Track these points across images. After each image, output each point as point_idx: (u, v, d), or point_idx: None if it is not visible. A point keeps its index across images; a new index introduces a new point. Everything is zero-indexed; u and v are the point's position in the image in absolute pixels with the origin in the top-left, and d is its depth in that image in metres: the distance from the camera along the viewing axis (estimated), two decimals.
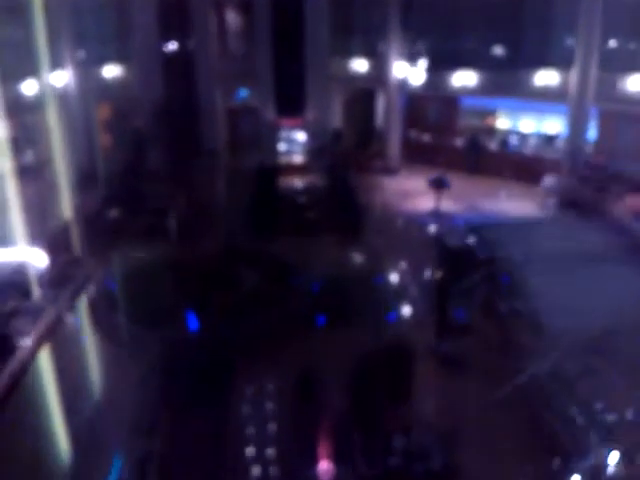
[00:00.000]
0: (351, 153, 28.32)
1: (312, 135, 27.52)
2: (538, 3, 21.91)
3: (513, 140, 27.21)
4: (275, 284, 16.07)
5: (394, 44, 25.44)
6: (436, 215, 22.49)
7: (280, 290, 15.77)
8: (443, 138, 28.10)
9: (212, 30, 26.85)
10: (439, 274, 16.17)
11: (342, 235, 20.62)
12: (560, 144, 23.80)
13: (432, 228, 20.63)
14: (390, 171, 27.65)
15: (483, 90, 22.65)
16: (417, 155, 28.50)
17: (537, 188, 24.27)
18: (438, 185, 22.55)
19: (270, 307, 14.80)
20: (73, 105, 25.97)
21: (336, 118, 28.66)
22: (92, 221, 21.24)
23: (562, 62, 21.63)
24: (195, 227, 20.99)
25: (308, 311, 15.23)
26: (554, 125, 24.56)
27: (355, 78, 27.66)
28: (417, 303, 15.88)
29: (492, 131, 27.65)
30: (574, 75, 21.56)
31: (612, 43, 20.89)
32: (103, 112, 28.04)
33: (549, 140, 26.22)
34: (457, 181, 25.86)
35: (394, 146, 27.85)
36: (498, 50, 22.25)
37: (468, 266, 16.61)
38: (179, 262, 17.42)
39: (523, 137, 27.22)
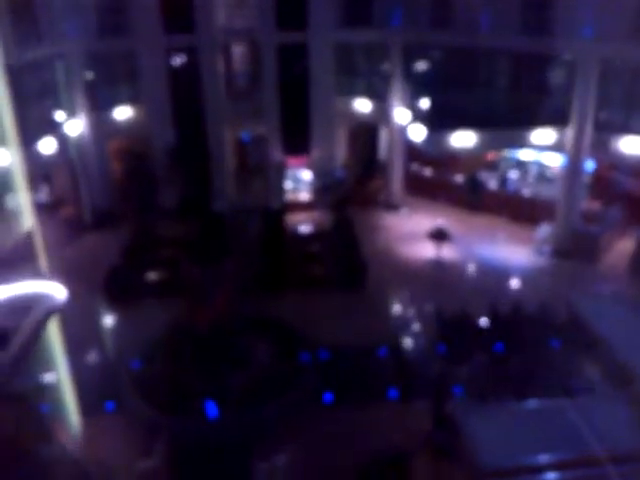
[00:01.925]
0: (355, 189, 29.27)
1: (318, 173, 28.43)
2: (536, 70, 22.67)
3: (513, 175, 28.12)
4: (285, 361, 17.23)
5: (396, 92, 26.23)
6: (438, 266, 23.66)
7: (290, 369, 16.95)
8: (444, 173, 29.03)
9: (220, 71, 27.55)
10: (438, 357, 17.33)
11: (347, 291, 21.83)
12: (559, 181, 24.55)
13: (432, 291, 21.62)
14: (393, 207, 28.65)
15: (482, 147, 23.47)
16: (419, 189, 29.55)
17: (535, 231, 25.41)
18: (438, 237, 23.65)
19: (281, 390, 16.01)
20: (87, 147, 26.88)
21: (340, 151, 29.45)
22: (112, 278, 22.44)
23: (559, 121, 22.41)
24: (204, 282, 22.10)
25: (316, 391, 16.51)
26: (554, 157, 25.09)
27: (359, 116, 28.39)
28: (417, 379, 17.07)
29: (493, 165, 28.50)
30: (570, 133, 22.38)
31: (606, 107, 21.61)
32: (116, 153, 28.94)
33: (548, 175, 27.19)
34: (457, 220, 27.14)
35: (396, 182, 28.78)
36: (496, 109, 23.01)
37: (468, 343, 17.82)
38: (191, 332, 18.56)
39: (523, 170, 28.14)
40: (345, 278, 22.33)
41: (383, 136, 30.00)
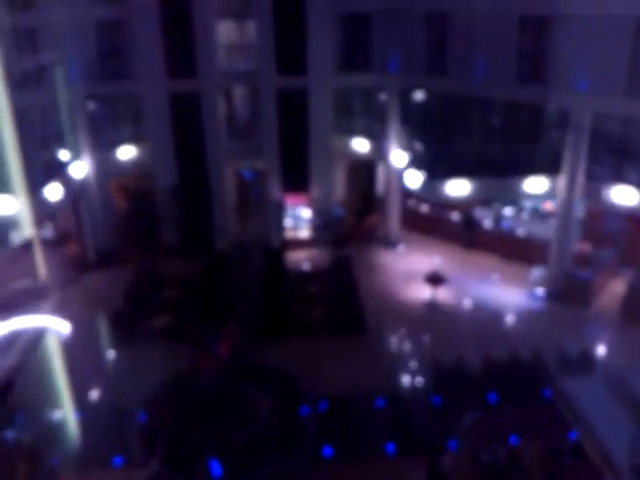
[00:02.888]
0: (353, 226, 29.92)
1: (317, 211, 29.05)
2: (530, 119, 23.36)
3: (507, 212, 28.80)
4: (286, 416, 17.81)
5: (393, 133, 26.90)
6: (433, 309, 24.28)
7: (291, 424, 17.53)
8: (440, 210, 29.66)
9: (221, 111, 28.18)
10: (433, 410, 17.89)
11: (345, 336, 22.42)
12: (552, 223, 25.15)
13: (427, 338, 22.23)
14: (390, 244, 29.28)
15: (476, 195, 24.11)
16: (416, 225, 30.21)
17: (528, 272, 26.06)
18: (434, 281, 24.27)
19: (282, 448, 16.60)
20: (91, 186, 27.47)
21: (339, 189, 30.08)
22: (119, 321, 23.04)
23: (551, 170, 23.08)
24: (208, 329, 22.68)
25: (316, 445, 17.08)
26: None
27: (357, 154, 29.04)
28: (413, 432, 17.64)
29: (488, 202, 29.13)
30: (562, 182, 23.03)
31: (598, 157, 22.29)
32: (119, 191, 29.55)
33: (542, 213, 27.86)
34: (453, 258, 27.82)
35: (394, 218, 29.39)
36: (491, 158, 23.66)
37: (463, 395, 18.40)
38: (196, 383, 19.17)
39: (517, 208, 28.83)
40: (343, 323, 22.93)
41: (381, 172, 30.61)
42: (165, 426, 17.49)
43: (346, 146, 29.03)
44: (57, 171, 25.02)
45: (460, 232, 28.77)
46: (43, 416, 18.81)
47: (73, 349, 21.97)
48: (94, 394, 19.79)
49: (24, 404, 19.15)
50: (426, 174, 23.44)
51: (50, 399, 19.88)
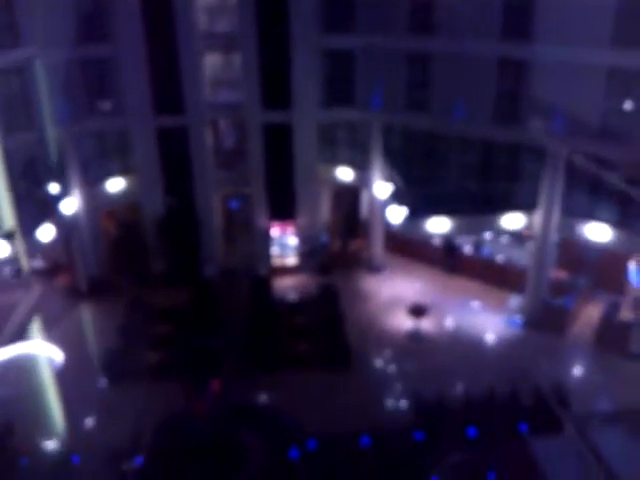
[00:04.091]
0: (339, 251, 30.78)
1: (303, 239, 29.83)
2: (507, 158, 24.30)
3: (487, 237, 29.73)
4: (276, 458, 18.67)
5: (376, 164, 27.70)
6: (416, 340, 25.23)
7: (281, 467, 18.41)
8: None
9: (208, 143, 28.80)
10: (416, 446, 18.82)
11: (331, 370, 23.26)
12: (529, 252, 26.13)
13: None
14: (375, 270, 30.16)
15: (456, 232, 25.06)
16: (400, 250, 31.08)
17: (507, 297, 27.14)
18: (417, 313, 25.25)
19: None
20: (81, 219, 27.99)
21: (325, 216, 30.86)
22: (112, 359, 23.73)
23: (528, 207, 24.06)
24: (198, 363, 23.45)
25: None
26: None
27: (341, 182, 29.83)
28: (397, 470, 18.60)
29: None
30: (538, 218, 24.02)
31: (573, 195, 23.28)
32: (109, 222, 30.11)
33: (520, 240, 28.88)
34: (435, 284, 28.84)
35: (377, 243, 30.23)
36: (470, 196, 24.60)
37: (444, 431, 19.37)
38: (188, 423, 19.97)
39: (497, 234, 29.78)
40: (329, 357, 23.77)
41: (365, 198, 31.41)
42: (160, 470, 18.29)
43: (330, 174, 29.80)
44: (48, 209, 25.53)
45: (442, 257, 29.71)
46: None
47: (66, 382, 22.83)
48: (87, 431, 20.51)
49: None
50: (408, 211, 24.27)
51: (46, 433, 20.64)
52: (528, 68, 23.18)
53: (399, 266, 30.60)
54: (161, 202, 29.06)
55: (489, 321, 26.26)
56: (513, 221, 24.41)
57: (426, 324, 25.82)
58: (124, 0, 25.69)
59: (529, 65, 23.10)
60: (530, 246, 26.03)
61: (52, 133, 25.99)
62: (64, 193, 26.67)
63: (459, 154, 25.31)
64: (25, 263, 24.72)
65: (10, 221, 23.79)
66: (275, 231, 29.99)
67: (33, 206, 25.00)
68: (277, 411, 20.77)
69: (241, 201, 31.20)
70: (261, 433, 19.64)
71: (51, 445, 20.13)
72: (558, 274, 26.69)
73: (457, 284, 29.01)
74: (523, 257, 27.36)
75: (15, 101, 24.87)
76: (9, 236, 23.16)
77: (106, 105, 27.48)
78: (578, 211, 23.59)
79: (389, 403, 21.86)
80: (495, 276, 28.16)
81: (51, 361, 24.40)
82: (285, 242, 30.17)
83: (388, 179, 27.32)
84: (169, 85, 27.21)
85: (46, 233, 24.47)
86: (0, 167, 23.50)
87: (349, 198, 32.13)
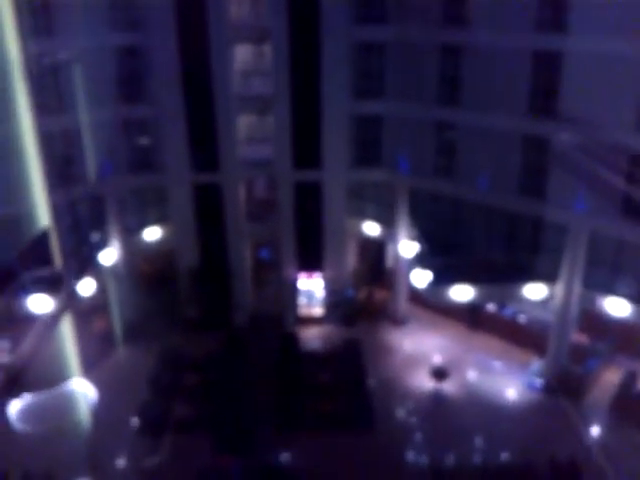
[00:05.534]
0: (364, 303, 31.68)
1: (329, 290, 30.79)
2: (530, 230, 25.00)
3: None
4: None
5: (402, 222, 28.53)
6: (437, 401, 25.97)
7: None
8: None
9: (241, 199, 29.94)
10: None
11: (355, 432, 24.10)
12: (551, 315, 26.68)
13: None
14: (399, 322, 30.96)
15: (479, 300, 25.79)
16: (423, 303, 31.70)
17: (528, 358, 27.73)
18: (439, 376, 25.99)
19: None
20: (119, 267, 29.33)
21: (351, 268, 31.79)
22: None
23: (550, 278, 24.69)
24: (224, 418, 24.51)
25: None
26: None
27: (367, 236, 30.76)
28: None
29: None
30: (560, 289, 24.63)
31: (594, 269, 23.90)
32: (144, 269, 31.45)
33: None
34: (458, 341, 29.50)
35: (402, 296, 31.00)
36: (492, 265, 25.30)
37: None
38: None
39: None
40: (353, 419, 24.61)
41: (390, 250, 32.20)
42: None
43: (357, 228, 30.75)
44: (90, 263, 26.90)
45: (465, 312, 30.35)
46: None
47: (100, 422, 24.23)
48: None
49: None
50: (432, 279, 25.05)
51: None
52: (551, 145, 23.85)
53: (422, 319, 31.34)
54: (195, 250, 30.29)
55: (509, 383, 26.84)
56: (535, 291, 25.00)
57: (447, 385, 26.49)
58: (164, 65, 26.97)
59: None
60: (552, 306, 26.55)
61: (96, 188, 27.42)
62: (104, 243, 28.06)
63: (483, 222, 26.00)
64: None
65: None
66: (303, 282, 30.93)
67: (77, 260, 26.38)
68: (299, 472, 21.68)
69: (271, 251, 32.30)
70: None
71: None
72: (579, 338, 27.18)
73: (479, 341, 29.66)
74: (546, 316, 27.83)
75: (61, 159, 26.26)
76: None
77: (146, 162, 28.76)
78: (599, 284, 24.08)
79: (409, 466, 22.58)
80: (517, 336, 28.75)
81: (88, 400, 25.95)
82: (312, 293, 31.12)
83: (413, 238, 28.14)
84: (205, 144, 28.43)
85: (87, 287, 25.76)
86: (49, 219, 24.95)
87: (375, 251, 32.98)
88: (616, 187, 22.32)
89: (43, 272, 25.09)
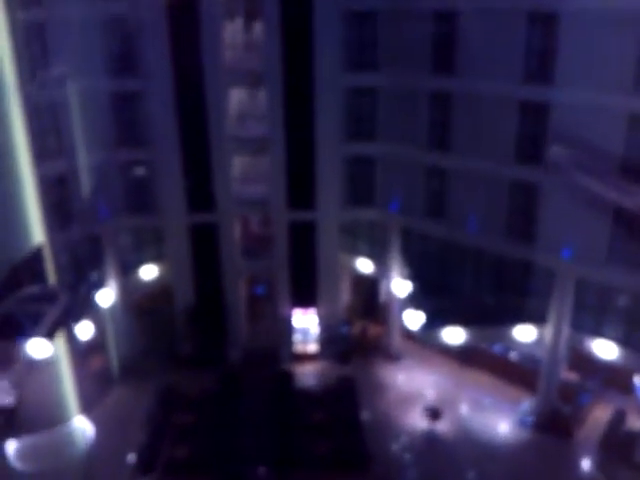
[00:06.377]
0: (358, 338, 32.15)
1: (324, 327, 31.25)
2: (519, 273, 25.58)
3: None
4: None
5: (395, 260, 29.07)
6: (430, 440, 26.40)
7: None
8: None
9: (236, 237, 30.46)
10: None
11: (350, 472, 24.51)
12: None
13: None
14: (393, 358, 31.42)
15: (470, 342, 26.32)
16: (416, 339, 32.21)
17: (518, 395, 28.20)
18: (432, 416, 26.45)
19: None
20: (116, 306, 29.75)
21: (344, 304, 32.29)
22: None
23: (538, 320, 25.24)
24: (220, 458, 24.89)
25: None
26: None
27: (361, 272, 31.25)
28: None
29: None
30: (549, 331, 25.17)
31: (581, 312, 24.46)
32: (140, 307, 31.84)
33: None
34: (450, 377, 29.94)
35: (395, 332, 31.46)
36: (483, 308, 25.87)
37: None
38: None
39: None
40: (348, 458, 25.00)
41: (383, 286, 32.65)
42: None
43: (350, 264, 31.29)
44: (87, 304, 27.29)
45: (457, 349, 30.77)
46: None
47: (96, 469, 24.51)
48: None
49: None
50: (424, 322, 25.56)
51: None
52: (539, 191, 24.42)
53: (415, 354, 31.76)
54: (191, 288, 30.74)
55: (500, 420, 27.30)
56: (525, 333, 25.53)
57: (440, 424, 26.91)
58: (161, 108, 27.52)
59: (540, 188, 24.35)
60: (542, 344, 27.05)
61: (92, 230, 27.86)
62: (101, 283, 28.48)
63: (473, 264, 26.55)
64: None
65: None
66: (297, 317, 31.36)
67: (75, 300, 26.72)
68: None
69: (265, 287, 32.78)
70: None
71: None
72: (568, 376, 27.68)
73: (471, 377, 30.09)
74: (536, 353, 28.26)
75: (60, 204, 26.64)
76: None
77: (142, 203, 29.24)
78: (586, 327, 24.62)
79: None
80: (508, 373, 29.20)
81: (86, 438, 26.25)
82: (307, 330, 31.55)
83: (405, 277, 28.68)
84: (201, 184, 28.94)
85: (85, 330, 26.15)
86: (49, 258, 25.28)
87: (368, 286, 33.44)
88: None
89: (41, 313, 25.42)
